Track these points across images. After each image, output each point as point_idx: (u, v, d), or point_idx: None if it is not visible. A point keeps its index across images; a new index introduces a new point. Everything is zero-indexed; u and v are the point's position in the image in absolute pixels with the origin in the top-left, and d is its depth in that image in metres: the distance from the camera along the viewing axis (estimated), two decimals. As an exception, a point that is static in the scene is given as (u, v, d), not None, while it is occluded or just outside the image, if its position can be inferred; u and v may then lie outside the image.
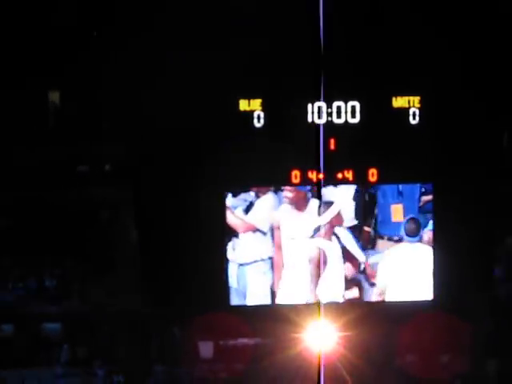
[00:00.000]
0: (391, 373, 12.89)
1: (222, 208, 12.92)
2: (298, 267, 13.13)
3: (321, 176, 12.79)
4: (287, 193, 13.08)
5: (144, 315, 13.04)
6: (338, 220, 13.16)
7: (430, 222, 13.12)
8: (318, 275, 13.16)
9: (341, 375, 12.69)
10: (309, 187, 13.03)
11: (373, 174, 12.93)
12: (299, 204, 13.15)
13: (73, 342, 13.13)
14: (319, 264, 13.08)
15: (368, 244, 13.16)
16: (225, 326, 12.93)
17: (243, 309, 13.08)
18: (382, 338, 12.91)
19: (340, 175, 12.93)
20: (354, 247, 13.19)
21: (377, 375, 12.77)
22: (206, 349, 13.17)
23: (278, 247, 13.13)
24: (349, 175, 12.94)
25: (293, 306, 12.98)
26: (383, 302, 13.20)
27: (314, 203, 13.08)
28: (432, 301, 13.08)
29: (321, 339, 12.60)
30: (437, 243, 13.14)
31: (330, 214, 13.12)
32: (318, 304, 12.91)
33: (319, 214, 13.05)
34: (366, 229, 13.14)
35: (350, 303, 13.13)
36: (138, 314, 13.05)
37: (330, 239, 13.15)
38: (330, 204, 13.09)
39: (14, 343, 13.14)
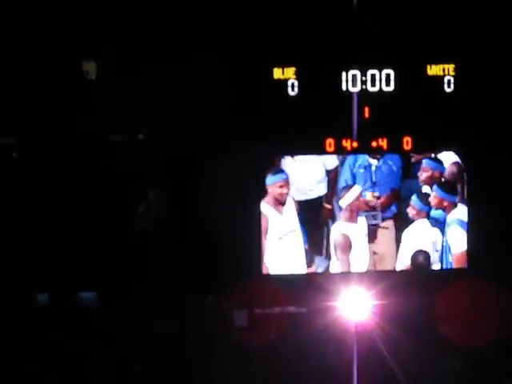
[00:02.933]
0: (427, 342, 12.85)
1: (257, 176, 12.90)
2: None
3: (355, 144, 12.80)
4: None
5: (178, 284, 13.06)
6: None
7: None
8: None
9: (375, 344, 12.69)
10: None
11: (407, 143, 12.88)
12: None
13: (108, 311, 13.18)
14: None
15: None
16: (259, 295, 12.93)
17: (277, 277, 13.07)
18: (417, 307, 12.87)
19: (374, 143, 12.88)
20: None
21: (412, 345, 12.74)
22: (241, 317, 13.19)
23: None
24: (383, 143, 12.88)
25: (327, 275, 13.00)
26: (417, 270, 13.16)
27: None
28: (467, 269, 13.05)
29: (355, 308, 12.72)
30: (471, 212, 13.08)
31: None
32: (352, 273, 12.96)
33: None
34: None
35: (384, 272, 13.11)
36: (171, 283, 13.08)
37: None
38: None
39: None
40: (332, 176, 13.09)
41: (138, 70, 13.08)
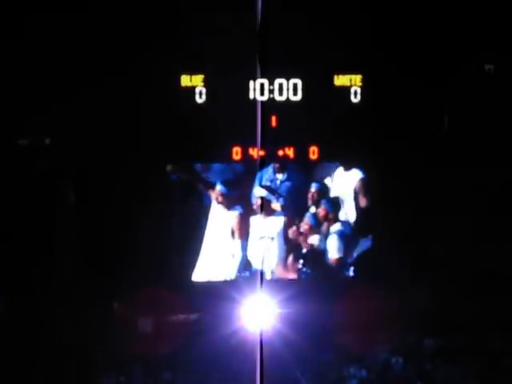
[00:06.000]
0: (330, 348, 12.99)
1: (166, 183, 12.92)
2: (237, 242, 13.22)
3: (261, 153, 12.87)
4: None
5: (82, 289, 12.96)
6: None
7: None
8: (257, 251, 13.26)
9: (280, 351, 12.75)
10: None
11: (313, 152, 13.00)
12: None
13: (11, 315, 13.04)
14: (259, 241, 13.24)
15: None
16: (164, 302, 12.91)
17: (183, 284, 13.09)
18: (319, 315, 12.97)
19: (281, 152, 12.99)
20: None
21: (316, 351, 12.85)
22: (145, 324, 13.15)
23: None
24: (290, 152, 13.00)
25: (232, 282, 13.05)
26: (318, 279, 13.30)
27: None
28: (363, 278, 13.24)
29: (260, 315, 12.78)
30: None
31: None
32: (257, 280, 13.02)
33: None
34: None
35: (289, 280, 13.23)
36: (76, 288, 12.98)
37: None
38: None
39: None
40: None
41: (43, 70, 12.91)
